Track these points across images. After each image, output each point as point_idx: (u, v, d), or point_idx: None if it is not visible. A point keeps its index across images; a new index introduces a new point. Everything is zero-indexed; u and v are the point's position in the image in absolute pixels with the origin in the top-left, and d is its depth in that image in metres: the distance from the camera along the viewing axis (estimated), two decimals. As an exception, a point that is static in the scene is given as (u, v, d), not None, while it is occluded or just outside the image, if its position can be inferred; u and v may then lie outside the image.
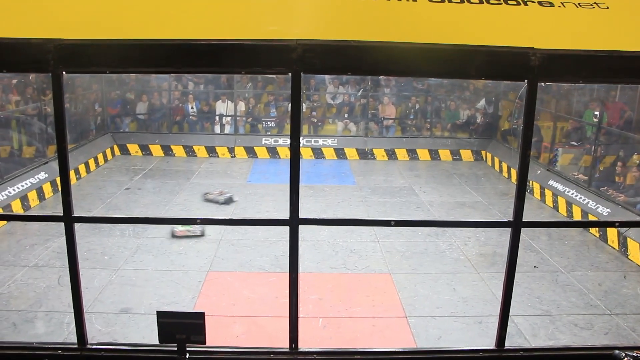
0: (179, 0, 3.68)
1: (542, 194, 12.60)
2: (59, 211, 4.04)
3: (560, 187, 12.09)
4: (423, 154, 16.61)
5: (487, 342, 6.19)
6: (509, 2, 3.67)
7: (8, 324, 6.66)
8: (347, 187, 13.40)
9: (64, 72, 3.70)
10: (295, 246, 4.12)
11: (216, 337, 5.92)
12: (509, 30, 3.73)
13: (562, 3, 3.69)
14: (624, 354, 4.08)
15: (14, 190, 10.77)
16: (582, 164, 12.78)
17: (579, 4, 3.69)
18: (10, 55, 3.68)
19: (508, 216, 4.25)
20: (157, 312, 3.96)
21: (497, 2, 3.67)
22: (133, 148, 16.32)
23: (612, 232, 9.69)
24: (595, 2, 3.69)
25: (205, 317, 3.93)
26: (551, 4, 3.68)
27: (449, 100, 17.39)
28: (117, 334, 6.52)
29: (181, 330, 3.91)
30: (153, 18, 3.67)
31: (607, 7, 3.69)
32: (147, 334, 6.39)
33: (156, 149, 16.35)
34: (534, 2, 3.69)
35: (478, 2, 3.66)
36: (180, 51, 3.68)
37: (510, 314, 4.38)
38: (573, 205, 11.35)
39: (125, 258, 8.68)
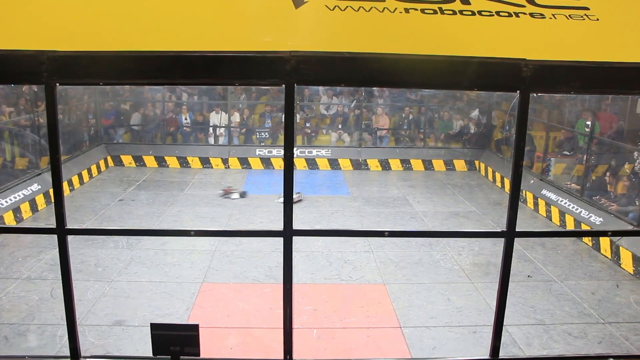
0: (173, 12, 3.69)
1: (535, 204, 12.65)
2: (51, 223, 4.03)
3: (553, 196, 12.14)
4: (417, 164, 16.66)
5: (482, 351, 6.19)
6: (501, 13, 3.71)
7: (0, 337, 6.60)
8: (341, 198, 13.41)
9: (57, 84, 3.71)
10: (289, 257, 4.12)
11: (210, 348, 5.91)
12: (501, 41, 3.76)
13: (553, 15, 3.72)
14: None
15: (6, 202, 10.72)
16: (575, 174, 12.84)
17: (569, 15, 3.73)
18: (3, 66, 3.68)
19: (501, 226, 4.27)
20: (151, 324, 3.94)
21: (488, 13, 3.70)
22: (127, 159, 16.29)
23: (604, 241, 9.72)
24: (585, 14, 3.73)
25: (200, 329, 3.92)
26: (542, 16, 3.72)
27: (442, 111, 17.48)
28: (111, 347, 6.48)
29: (175, 342, 3.89)
30: (147, 30, 3.68)
31: (597, 19, 3.73)
32: (141, 347, 6.35)
33: (150, 160, 16.33)
34: (525, 13, 3.72)
35: (470, 13, 3.69)
36: (174, 63, 3.69)
37: (504, 323, 4.38)
38: (566, 214, 11.40)
39: (119, 270, 8.64)
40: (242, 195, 11.92)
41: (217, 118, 16.92)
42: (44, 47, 3.61)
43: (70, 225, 4.13)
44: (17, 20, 3.66)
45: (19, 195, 11.13)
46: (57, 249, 4.05)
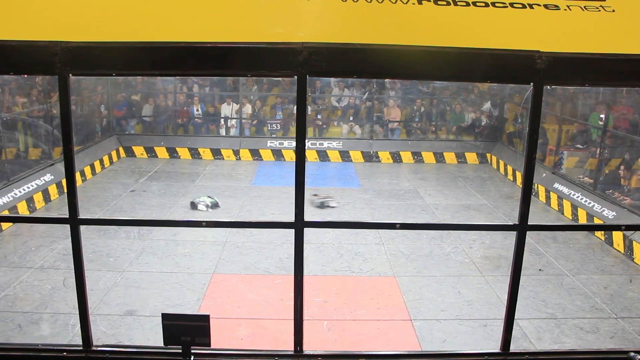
0: (186, 3, 3.69)
1: (548, 197, 12.56)
2: (64, 213, 4.06)
3: (565, 190, 12.05)
4: (428, 157, 16.60)
5: (492, 345, 6.18)
6: (515, 5, 3.67)
7: (13, 325, 6.68)
8: (352, 190, 13.40)
9: (70, 74, 3.72)
10: (300, 249, 4.13)
11: (221, 339, 5.94)
12: (515, 33, 3.72)
13: (568, 6, 3.68)
14: (639, 357, 4.06)
15: (19, 192, 10.81)
16: (588, 167, 12.74)
17: (584, 7, 3.68)
18: (17, 57, 3.70)
19: (513, 219, 4.25)
20: (162, 314, 3.97)
21: (502, 5, 3.67)
22: (138, 150, 16.37)
23: (617, 236, 9.65)
24: (601, 5, 3.68)
25: (210, 320, 3.93)
26: (557, 7, 3.68)
27: (454, 103, 17.38)
28: (122, 336, 6.53)
29: (186, 332, 3.92)
30: (159, 21, 3.68)
31: (613, 10, 3.68)
32: (152, 336, 6.40)
33: (161, 151, 16.39)
34: (539, 5, 3.68)
35: (484, 5, 3.66)
36: (186, 54, 3.69)
37: (515, 317, 4.37)
38: (578, 208, 11.31)
39: (130, 260, 8.69)
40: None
41: (228, 109, 16.93)
42: (57, 38, 3.62)
43: (82, 215, 4.16)
44: (30, 11, 3.68)
45: (32, 185, 11.22)
46: (70, 238, 4.09)
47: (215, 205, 11.56)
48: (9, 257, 8.69)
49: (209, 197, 11.72)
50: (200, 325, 3.93)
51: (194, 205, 11.53)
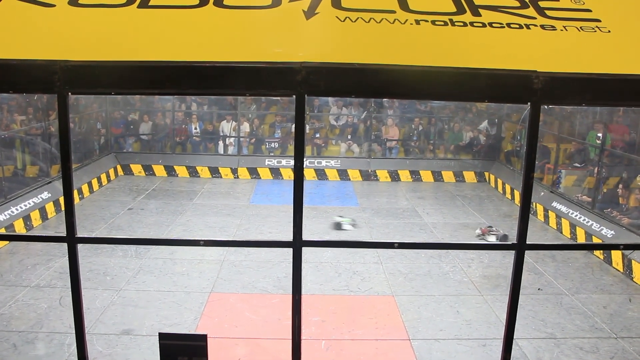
0: (185, 23, 3.71)
1: (546, 216, 12.57)
2: (61, 231, 4.04)
3: (563, 208, 12.06)
4: (426, 176, 16.62)
5: (492, 365, 6.14)
6: (512, 25, 3.70)
7: (8, 344, 6.62)
8: (350, 209, 13.39)
9: (69, 93, 3.73)
10: (298, 268, 4.10)
11: (218, 359, 5.88)
12: (512, 53, 3.75)
13: (564, 27, 3.71)
14: None
15: (16, 209, 10.79)
16: (586, 186, 12.77)
17: (580, 27, 3.72)
18: (16, 76, 3.71)
19: (511, 238, 4.23)
20: (159, 333, 3.94)
21: (499, 25, 3.70)
22: (136, 168, 16.38)
23: (616, 255, 9.63)
24: (597, 26, 3.71)
25: (208, 339, 3.91)
26: (553, 28, 3.71)
27: (452, 122, 17.45)
28: (119, 356, 6.48)
29: (183, 352, 3.89)
30: (159, 40, 3.70)
31: (609, 31, 3.72)
32: (149, 356, 6.35)
33: (159, 169, 16.40)
34: (536, 25, 3.72)
35: (481, 25, 3.69)
36: (185, 73, 3.71)
37: (514, 337, 4.34)
38: (577, 227, 11.31)
39: (128, 279, 8.65)
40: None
41: (226, 128, 16.98)
42: (56, 56, 3.63)
43: (79, 233, 4.14)
44: (30, 30, 3.70)
45: (29, 203, 11.20)
46: (66, 257, 4.06)
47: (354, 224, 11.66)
48: (5, 275, 8.64)
49: (342, 217, 11.87)
50: (198, 344, 3.90)
51: (338, 226, 11.52)
